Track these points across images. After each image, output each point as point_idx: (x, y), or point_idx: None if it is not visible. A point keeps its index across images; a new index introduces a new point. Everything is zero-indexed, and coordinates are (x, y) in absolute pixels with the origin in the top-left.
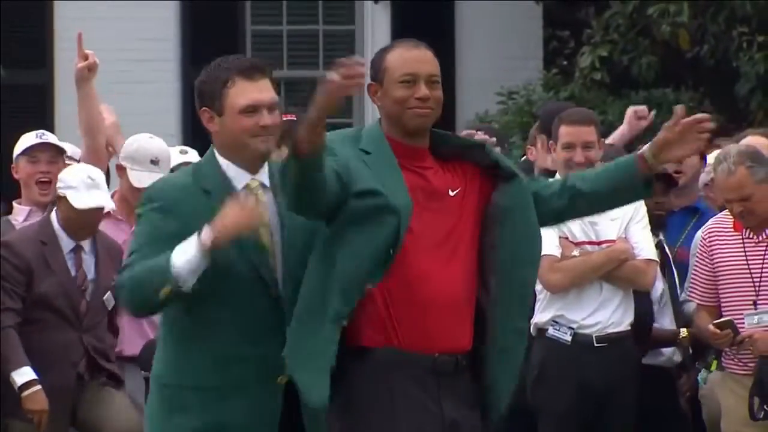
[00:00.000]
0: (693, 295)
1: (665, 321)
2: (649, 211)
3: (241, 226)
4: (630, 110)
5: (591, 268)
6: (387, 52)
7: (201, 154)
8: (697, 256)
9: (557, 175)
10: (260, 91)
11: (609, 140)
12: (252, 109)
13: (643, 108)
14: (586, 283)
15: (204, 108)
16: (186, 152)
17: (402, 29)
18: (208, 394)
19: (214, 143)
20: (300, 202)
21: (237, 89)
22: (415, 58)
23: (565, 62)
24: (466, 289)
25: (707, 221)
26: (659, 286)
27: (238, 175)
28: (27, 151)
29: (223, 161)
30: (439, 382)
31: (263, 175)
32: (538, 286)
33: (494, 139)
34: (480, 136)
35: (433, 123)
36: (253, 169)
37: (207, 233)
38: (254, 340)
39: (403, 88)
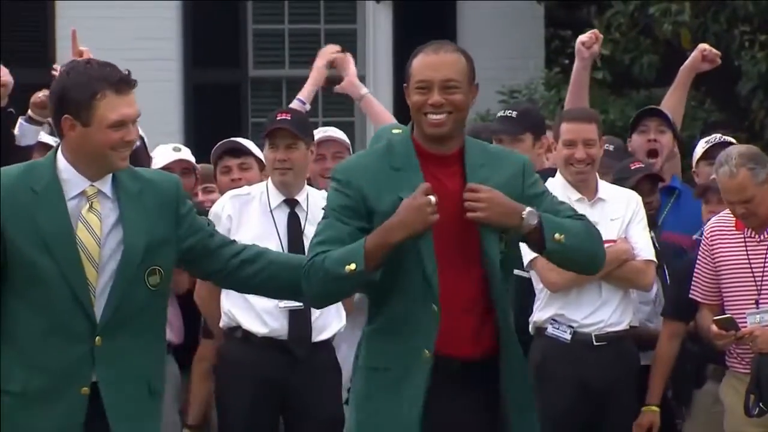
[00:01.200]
0: (696, 293)
1: (660, 321)
2: None
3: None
4: (577, 43)
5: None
6: (414, 55)
7: (203, 153)
8: (700, 255)
9: (557, 174)
10: (129, 105)
11: (571, 81)
12: (120, 124)
13: (588, 35)
14: (585, 282)
15: (66, 116)
16: (179, 149)
17: (404, 28)
18: (15, 400)
19: (65, 147)
20: (328, 302)
21: (107, 103)
22: (430, 63)
23: (566, 61)
24: (476, 295)
25: (685, 199)
26: (654, 287)
27: (74, 179)
28: None
29: (63, 164)
30: (437, 382)
31: (104, 184)
32: (538, 285)
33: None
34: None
35: (459, 125)
36: (95, 177)
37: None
38: (60, 349)
39: (418, 94)
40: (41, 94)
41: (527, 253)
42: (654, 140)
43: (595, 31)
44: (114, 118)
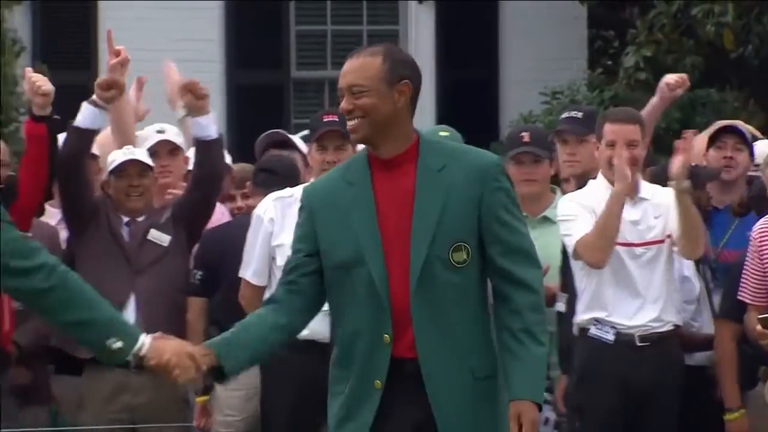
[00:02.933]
0: (744, 294)
1: (704, 320)
2: None
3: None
4: (662, 81)
5: (606, 217)
6: None
7: (245, 154)
8: (748, 256)
9: (599, 175)
10: None
11: (643, 112)
12: None
13: (676, 78)
14: (615, 233)
15: None
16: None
17: (446, 29)
18: None
19: None
20: None
21: None
22: (343, 70)
23: (609, 62)
24: None
25: (751, 216)
26: (697, 286)
27: None
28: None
29: None
30: (392, 384)
31: None
32: (580, 285)
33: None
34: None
35: (380, 129)
36: None
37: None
38: None
39: (340, 100)
40: (105, 77)
41: (568, 245)
42: (730, 157)
43: (684, 75)
44: None
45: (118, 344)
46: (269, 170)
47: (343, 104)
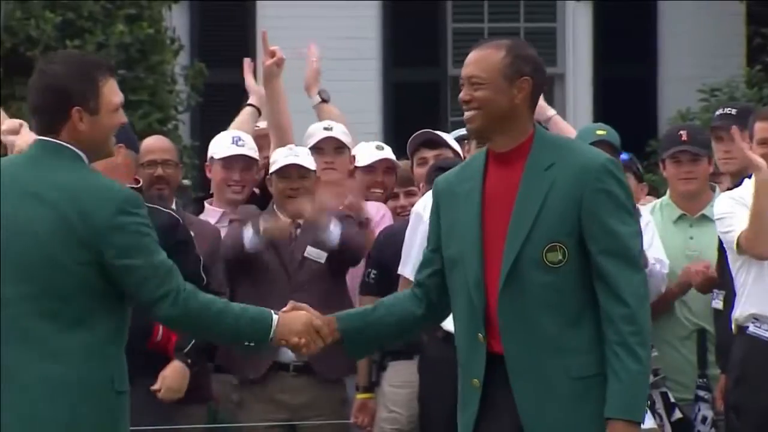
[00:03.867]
0: None
1: None
2: None
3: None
4: None
5: (756, 206)
6: None
7: (403, 152)
8: None
9: (754, 174)
10: (118, 89)
11: None
12: (120, 107)
13: None
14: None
15: (76, 107)
16: (382, 148)
17: (604, 27)
18: None
19: (65, 144)
20: None
21: (109, 87)
22: (466, 60)
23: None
24: None
25: None
26: None
27: None
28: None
29: None
30: (493, 381)
31: None
32: (737, 282)
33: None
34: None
35: (494, 122)
36: None
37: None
38: None
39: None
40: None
41: (730, 241)
42: None
43: None
44: (118, 100)
45: (252, 343)
46: (446, 169)
47: (462, 94)
